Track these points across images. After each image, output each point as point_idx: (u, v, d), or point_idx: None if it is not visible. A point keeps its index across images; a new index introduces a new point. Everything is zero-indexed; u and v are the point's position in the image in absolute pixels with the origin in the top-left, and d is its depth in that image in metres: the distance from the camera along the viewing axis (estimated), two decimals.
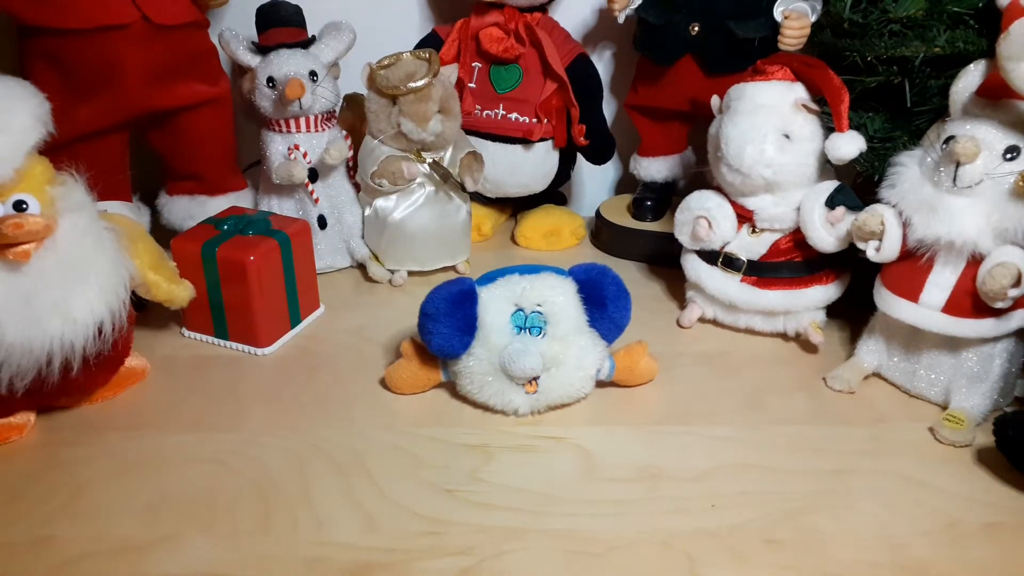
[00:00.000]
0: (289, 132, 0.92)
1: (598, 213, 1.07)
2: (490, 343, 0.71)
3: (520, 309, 0.71)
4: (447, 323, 0.70)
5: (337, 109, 0.96)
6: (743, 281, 0.83)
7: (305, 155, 0.92)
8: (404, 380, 0.75)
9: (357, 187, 0.96)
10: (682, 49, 0.93)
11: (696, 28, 0.91)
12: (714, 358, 0.83)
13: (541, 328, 0.71)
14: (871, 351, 0.78)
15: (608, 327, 0.73)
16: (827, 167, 0.82)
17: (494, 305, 0.71)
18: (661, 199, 1.05)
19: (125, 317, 0.69)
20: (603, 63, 1.11)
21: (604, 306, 0.72)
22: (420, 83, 0.87)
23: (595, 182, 1.19)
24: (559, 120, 1.00)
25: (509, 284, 0.72)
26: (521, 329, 0.71)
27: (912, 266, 0.72)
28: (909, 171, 0.72)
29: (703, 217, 0.83)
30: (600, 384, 0.75)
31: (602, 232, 1.06)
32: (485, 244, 1.06)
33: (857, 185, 0.82)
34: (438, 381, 0.76)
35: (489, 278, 0.73)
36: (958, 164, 0.67)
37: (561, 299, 0.71)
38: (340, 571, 0.58)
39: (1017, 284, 0.67)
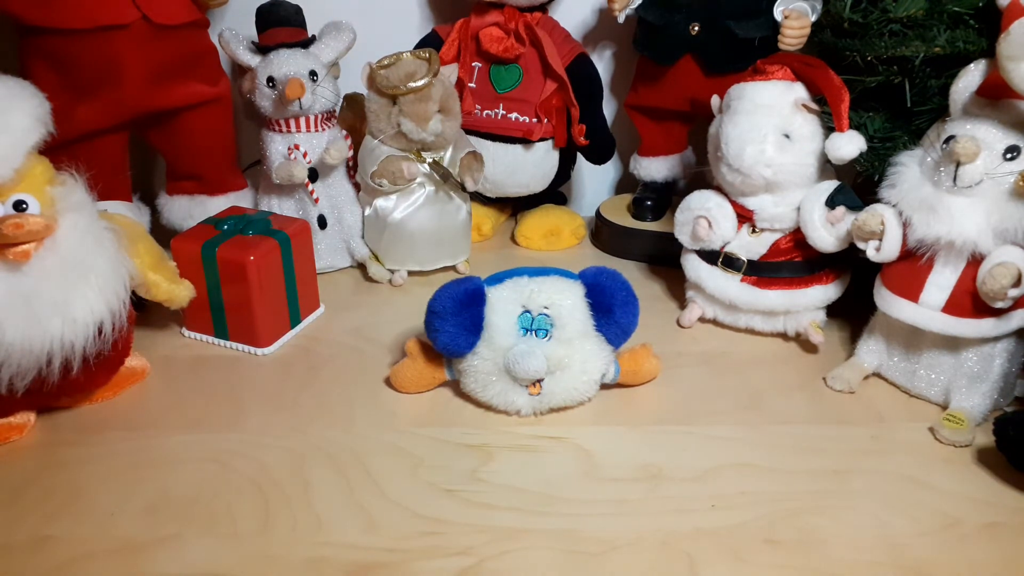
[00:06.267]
0: (289, 132, 0.92)
1: (598, 213, 1.07)
2: (495, 343, 0.71)
3: (527, 311, 0.71)
4: (454, 322, 0.70)
5: (337, 109, 0.96)
6: (743, 281, 0.83)
7: (305, 155, 0.92)
8: (409, 379, 0.75)
9: (357, 187, 0.96)
10: (682, 49, 0.93)
11: (696, 28, 0.91)
12: (714, 358, 0.83)
13: (547, 331, 0.71)
14: (871, 351, 0.78)
15: (615, 332, 0.73)
16: (827, 167, 0.82)
17: (501, 306, 0.71)
18: (661, 199, 1.05)
19: (125, 317, 0.69)
20: (603, 63, 1.11)
21: (611, 311, 0.72)
22: (420, 83, 0.87)
23: (595, 182, 1.19)
24: (559, 120, 1.00)
25: (517, 285, 0.72)
26: (527, 331, 0.71)
27: (912, 266, 0.72)
28: (909, 171, 0.72)
29: (703, 217, 0.83)
30: (603, 386, 0.75)
31: (602, 232, 1.06)
32: (485, 244, 1.06)
33: (857, 185, 0.82)
34: (443, 380, 0.76)
35: (498, 278, 0.73)
36: (958, 164, 0.67)
37: (568, 302, 0.71)
38: (340, 571, 0.58)
39: (1017, 284, 0.67)
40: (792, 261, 0.83)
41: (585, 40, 1.09)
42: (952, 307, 0.70)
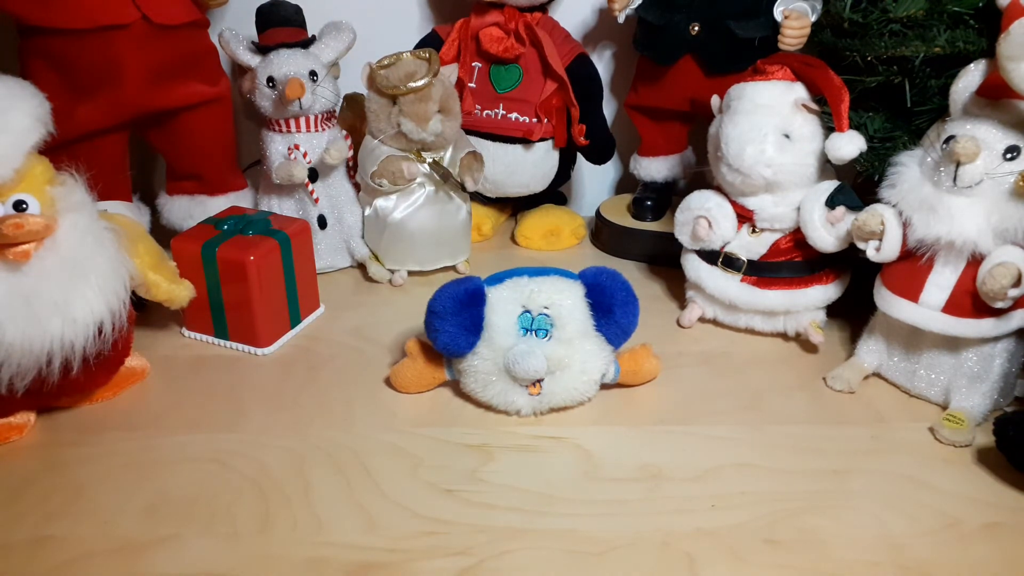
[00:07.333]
0: (289, 132, 0.92)
1: (598, 213, 1.07)
2: (495, 343, 0.71)
3: (527, 311, 0.71)
4: (454, 322, 0.70)
5: (337, 109, 0.96)
6: (743, 281, 0.83)
7: (305, 155, 0.92)
8: (409, 379, 0.75)
9: (357, 187, 0.96)
10: (682, 49, 0.93)
11: (696, 28, 0.91)
12: (714, 358, 0.83)
13: (547, 331, 0.71)
14: (871, 351, 0.78)
15: (615, 332, 0.73)
16: (827, 167, 0.82)
17: (501, 306, 0.71)
18: (661, 199, 1.05)
19: (125, 317, 0.69)
20: (603, 63, 1.11)
21: (611, 311, 0.72)
22: (420, 83, 0.87)
23: (595, 182, 1.19)
24: (559, 120, 1.00)
25: (517, 285, 0.72)
26: (527, 331, 0.71)
27: (912, 266, 0.72)
28: (909, 171, 0.72)
29: (703, 217, 0.83)
30: (603, 386, 0.75)
31: (602, 232, 1.06)
32: (485, 244, 1.06)
33: (857, 185, 0.82)
34: (443, 380, 0.76)
35: (498, 278, 0.73)
36: (958, 164, 0.67)
37: (568, 302, 0.71)
38: (340, 571, 0.58)
39: (1017, 284, 0.67)
40: (792, 261, 0.83)
41: (585, 40, 1.09)
42: (952, 307, 0.70)
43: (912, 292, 0.72)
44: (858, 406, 0.75)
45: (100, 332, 0.66)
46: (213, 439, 0.70)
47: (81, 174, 0.67)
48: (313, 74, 0.90)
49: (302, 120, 0.92)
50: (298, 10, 0.95)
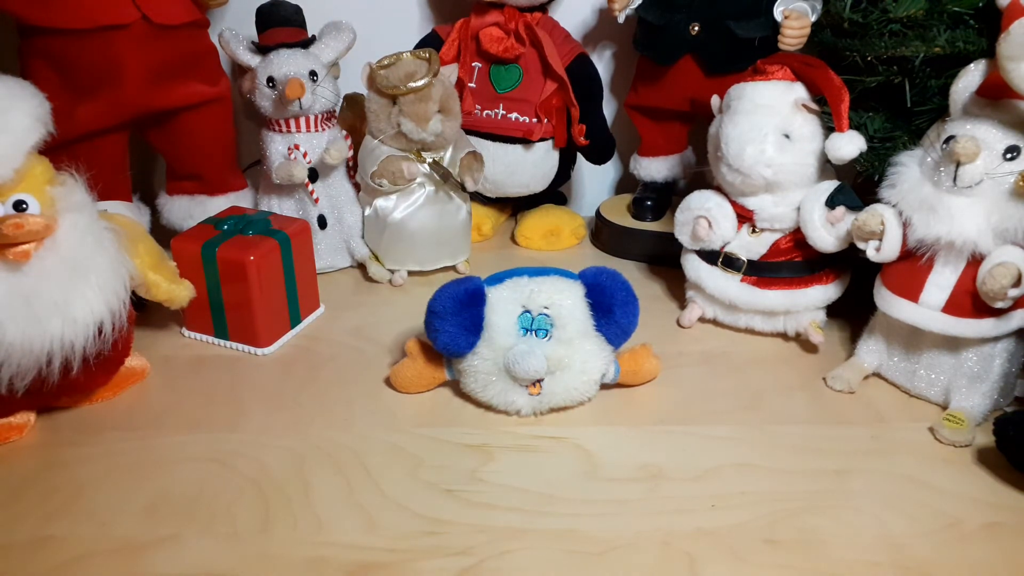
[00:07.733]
0: (289, 132, 0.92)
1: (598, 213, 1.07)
2: (495, 343, 0.71)
3: (527, 311, 0.71)
4: (454, 322, 0.70)
5: (337, 109, 0.96)
6: (743, 281, 0.83)
7: (305, 155, 0.92)
8: (409, 379, 0.75)
9: (357, 187, 0.96)
10: (682, 49, 0.93)
11: (696, 28, 0.91)
12: (714, 358, 0.83)
13: (547, 331, 0.71)
14: (871, 351, 0.78)
15: (615, 332, 0.73)
16: (827, 167, 0.82)
17: (501, 306, 0.71)
18: (661, 199, 1.05)
19: (125, 317, 0.69)
20: (603, 63, 1.11)
21: (611, 311, 0.72)
22: (420, 83, 0.87)
23: (595, 182, 1.19)
24: (559, 120, 1.00)
25: (517, 285, 0.72)
26: (527, 331, 0.71)
27: (912, 266, 0.72)
28: (909, 171, 0.72)
29: (703, 217, 0.83)
30: (603, 386, 0.75)
31: (602, 232, 1.06)
32: (485, 244, 1.06)
33: (857, 185, 0.82)
34: (443, 380, 0.76)
35: (498, 278, 0.73)
36: (958, 164, 0.67)
37: (568, 302, 0.71)
38: (340, 571, 0.58)
39: (1017, 284, 0.67)
40: (792, 261, 0.83)
41: (585, 40, 1.09)
42: (952, 307, 0.70)
43: (912, 292, 0.72)
44: (858, 406, 0.75)
45: (100, 332, 0.66)
46: (213, 439, 0.70)
47: (81, 174, 0.67)
48: (313, 74, 0.90)
49: (302, 120, 0.92)
50: (298, 10, 0.95)
